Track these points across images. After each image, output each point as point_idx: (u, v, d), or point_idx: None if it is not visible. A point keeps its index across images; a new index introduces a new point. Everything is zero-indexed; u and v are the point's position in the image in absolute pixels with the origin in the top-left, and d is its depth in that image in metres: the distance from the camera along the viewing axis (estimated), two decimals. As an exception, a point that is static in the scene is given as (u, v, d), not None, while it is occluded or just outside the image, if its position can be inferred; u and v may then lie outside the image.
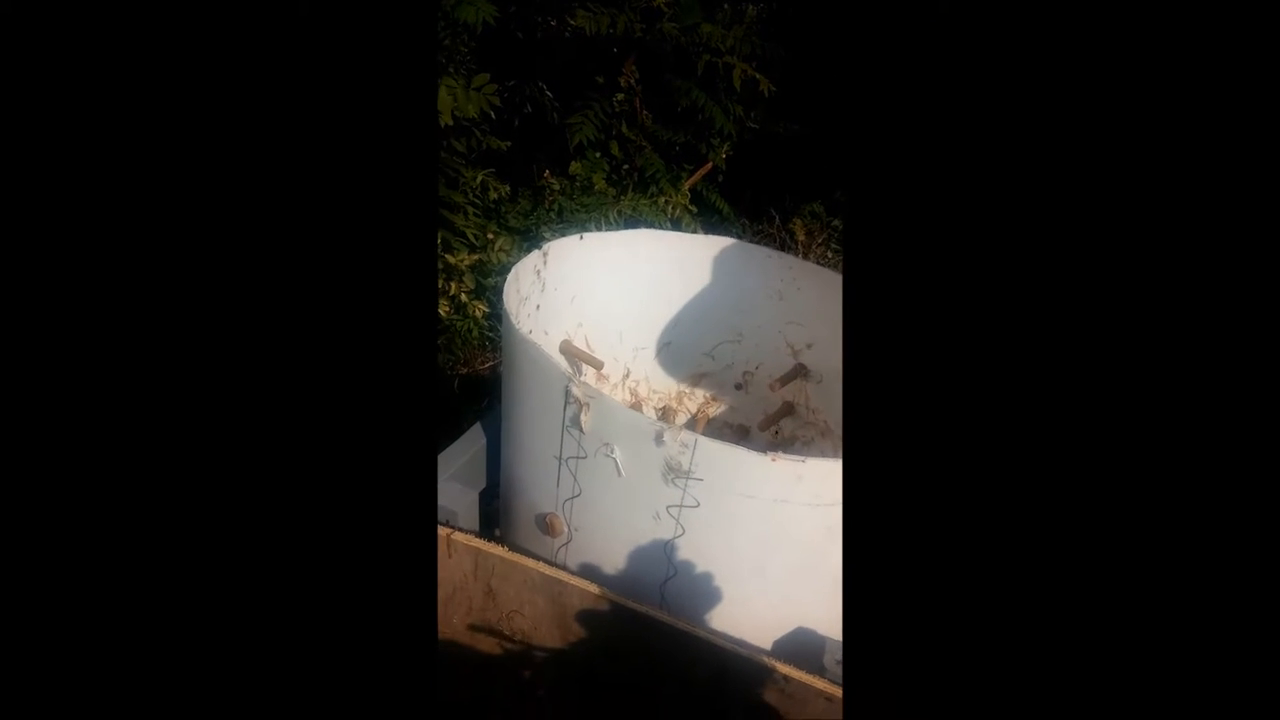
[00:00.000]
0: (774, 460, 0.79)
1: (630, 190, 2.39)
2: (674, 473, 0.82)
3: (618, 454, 0.85)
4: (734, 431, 1.40)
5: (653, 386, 1.43)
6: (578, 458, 0.89)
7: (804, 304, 1.29)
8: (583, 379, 1.35)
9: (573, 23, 2.25)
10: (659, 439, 0.81)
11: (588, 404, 0.85)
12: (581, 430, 0.86)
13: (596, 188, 2.38)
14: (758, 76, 2.27)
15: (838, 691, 0.80)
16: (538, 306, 1.20)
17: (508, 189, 2.27)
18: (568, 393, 0.85)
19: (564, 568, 0.96)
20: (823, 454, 1.29)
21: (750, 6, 2.47)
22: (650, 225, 2.34)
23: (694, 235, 1.36)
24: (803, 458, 0.80)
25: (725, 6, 2.45)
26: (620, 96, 2.35)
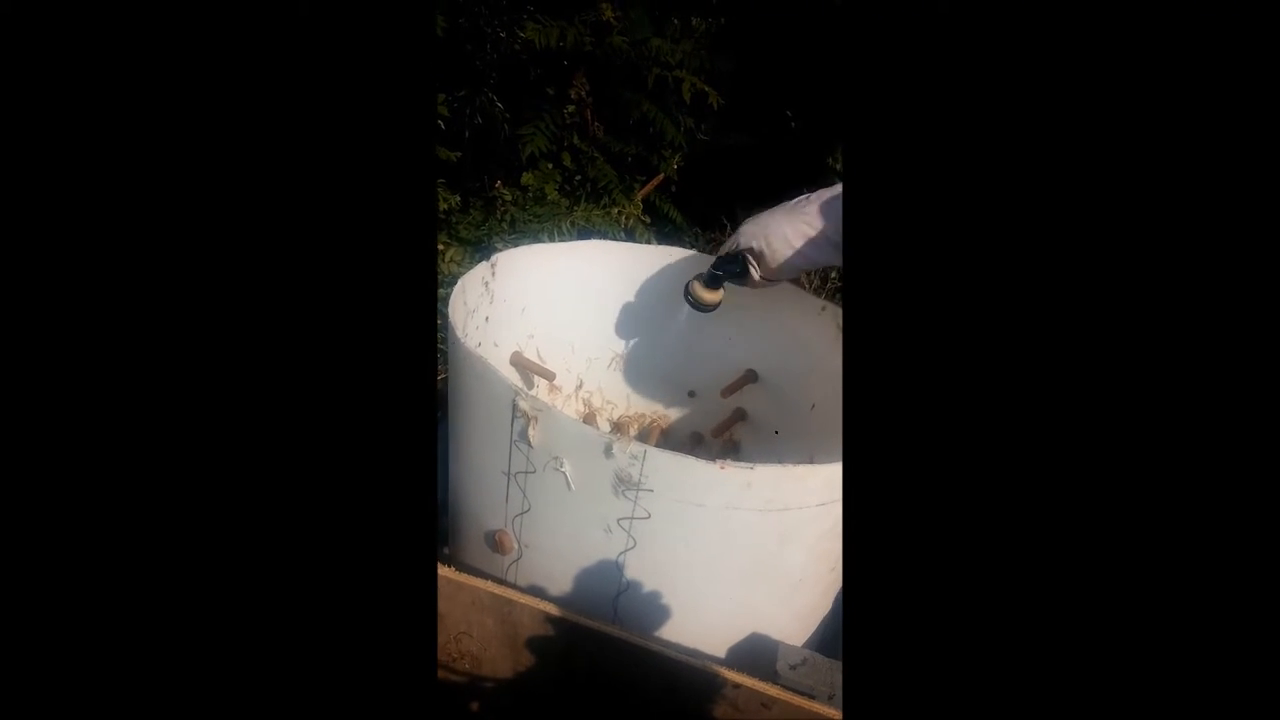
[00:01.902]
0: (723, 468, 0.79)
1: (583, 201, 2.39)
2: (624, 484, 0.82)
3: (567, 467, 0.83)
4: (688, 439, 1.40)
5: (606, 397, 1.43)
6: (526, 472, 0.87)
7: (751, 311, 1.30)
8: (535, 391, 1.33)
9: (522, 35, 2.24)
10: (608, 451, 0.80)
11: (535, 417, 0.83)
12: (530, 444, 0.85)
13: (549, 198, 2.38)
14: (706, 90, 2.31)
15: (786, 697, 0.80)
16: (486, 318, 1.18)
17: (458, 200, 2.24)
18: (515, 406, 0.84)
19: (514, 586, 0.94)
20: (776, 459, 1.30)
21: (699, 21, 2.51)
22: (604, 235, 2.35)
23: (644, 245, 1.37)
24: (751, 465, 0.81)
25: (675, 21, 2.49)
26: (571, 108, 2.35)
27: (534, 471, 0.86)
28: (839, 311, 1.20)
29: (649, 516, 0.83)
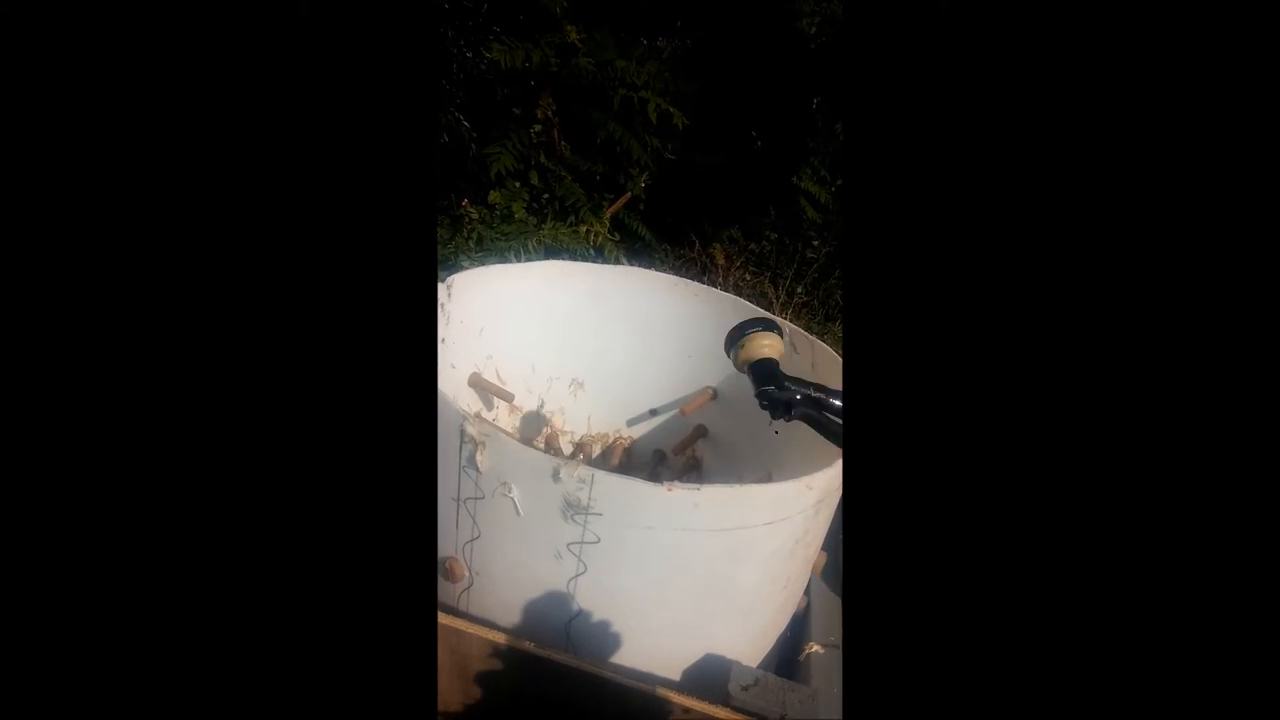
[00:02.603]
0: (670, 490, 0.80)
1: (550, 219, 2.40)
2: (573, 509, 0.81)
3: (515, 493, 0.83)
4: (652, 457, 1.40)
5: (568, 417, 1.42)
6: (475, 498, 0.87)
7: (711, 329, 1.32)
8: (495, 413, 1.33)
9: (488, 55, 2.26)
10: (555, 475, 0.80)
11: (483, 442, 0.83)
12: (478, 470, 0.84)
13: (516, 216, 2.38)
14: (671, 110, 2.34)
15: (736, 719, 0.80)
16: (442, 340, 1.18)
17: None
18: (463, 432, 0.83)
19: (465, 614, 0.93)
20: (736, 476, 1.31)
21: (665, 43, 2.55)
22: (572, 253, 2.35)
23: (604, 265, 1.37)
24: (698, 486, 0.81)
25: (643, 42, 2.53)
26: (538, 128, 2.37)
27: (483, 497, 0.86)
28: (793, 328, 1.21)
29: (599, 540, 0.83)
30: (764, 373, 0.89)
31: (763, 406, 0.88)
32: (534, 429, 1.40)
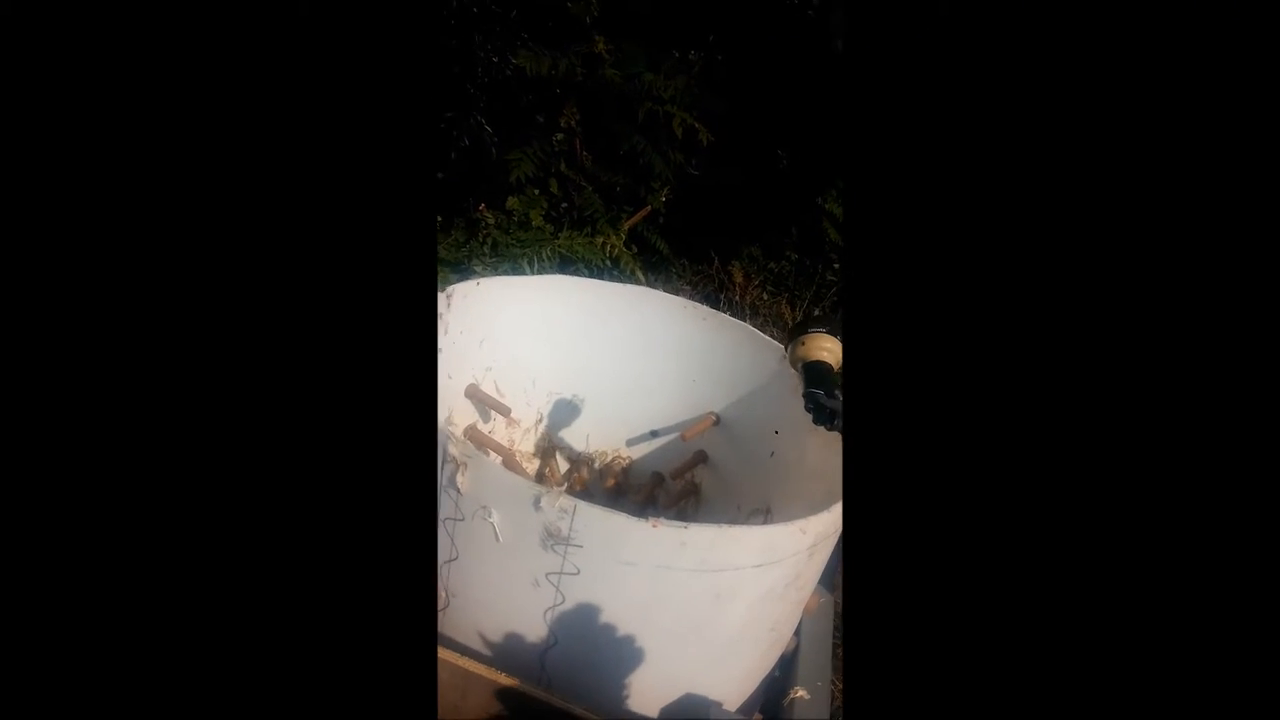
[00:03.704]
0: (655, 526, 0.77)
1: (567, 228, 2.39)
2: (553, 539, 0.79)
3: (495, 518, 0.81)
4: (649, 479, 1.37)
5: (566, 433, 1.40)
6: (455, 519, 0.84)
7: (717, 354, 1.29)
8: (491, 426, 1.31)
9: (514, 61, 2.26)
10: (536, 503, 0.77)
11: (465, 463, 0.81)
12: (459, 491, 0.82)
13: (534, 224, 2.37)
14: (697, 126, 2.32)
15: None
16: (439, 350, 1.16)
17: (439, 220, 2.23)
18: (445, 451, 0.81)
19: (442, 636, 0.90)
20: (734, 505, 1.27)
21: (695, 57, 2.54)
22: (588, 264, 2.34)
23: (610, 284, 1.35)
24: (685, 524, 0.78)
25: (674, 54, 2.51)
26: (560, 136, 2.36)
27: (462, 519, 0.83)
28: (800, 360, 1.18)
29: (578, 572, 0.80)
30: (816, 374, 0.87)
31: (807, 408, 0.85)
32: (530, 443, 1.37)
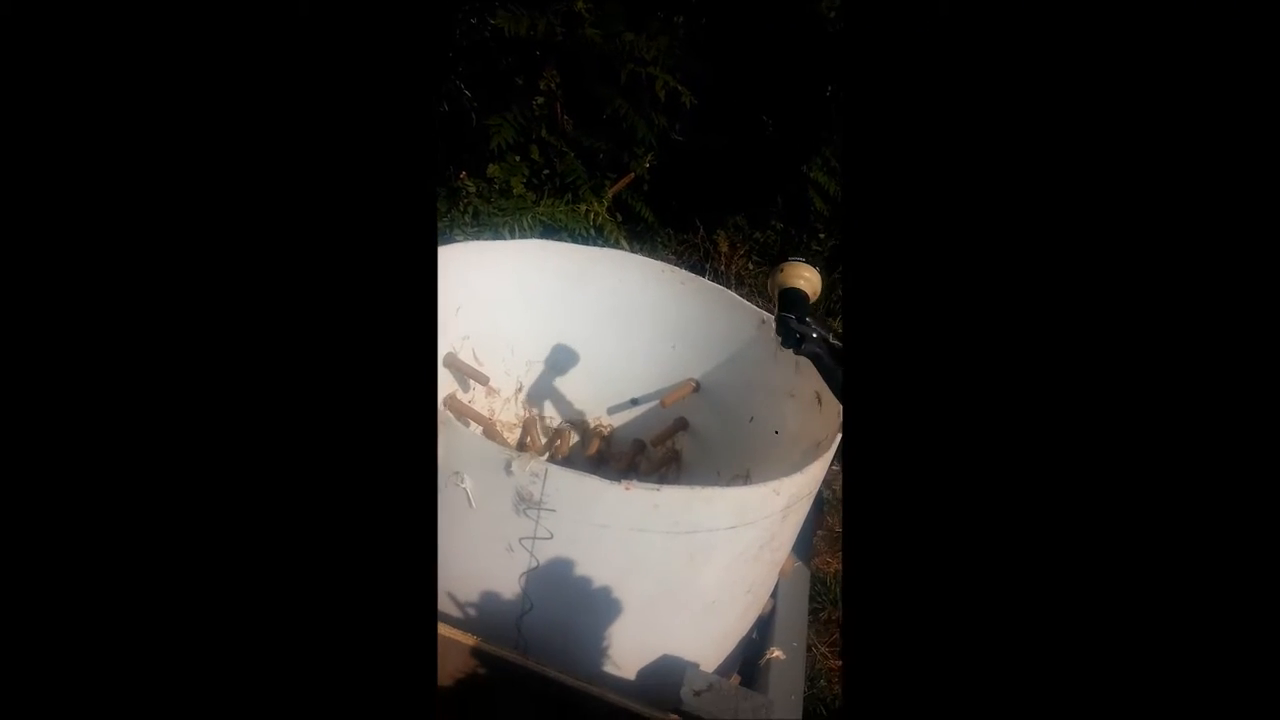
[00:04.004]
0: (628, 489, 0.76)
1: (549, 196, 2.35)
2: (525, 503, 0.78)
3: (468, 483, 0.80)
4: (631, 446, 1.37)
5: (546, 401, 1.39)
6: (428, 485, 0.84)
7: (695, 319, 1.27)
8: (471, 394, 1.30)
9: (492, 22, 2.19)
10: (508, 468, 0.77)
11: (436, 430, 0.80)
12: (431, 456, 0.81)
13: (515, 192, 2.33)
14: (680, 89, 2.26)
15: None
16: (414, 319, 1.14)
17: (419, 190, 2.17)
18: (415, 416, 0.80)
19: (417, 600, 0.90)
20: (714, 470, 1.27)
21: (679, 18, 2.47)
22: (570, 232, 2.30)
23: (589, 248, 1.33)
24: (658, 486, 0.78)
25: (659, 15, 2.44)
26: (540, 100, 2.30)
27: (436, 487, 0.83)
28: (779, 325, 1.17)
29: (551, 536, 0.80)
30: (790, 300, 0.92)
31: (777, 333, 0.91)
32: (510, 413, 1.37)
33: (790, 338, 0.87)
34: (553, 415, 1.40)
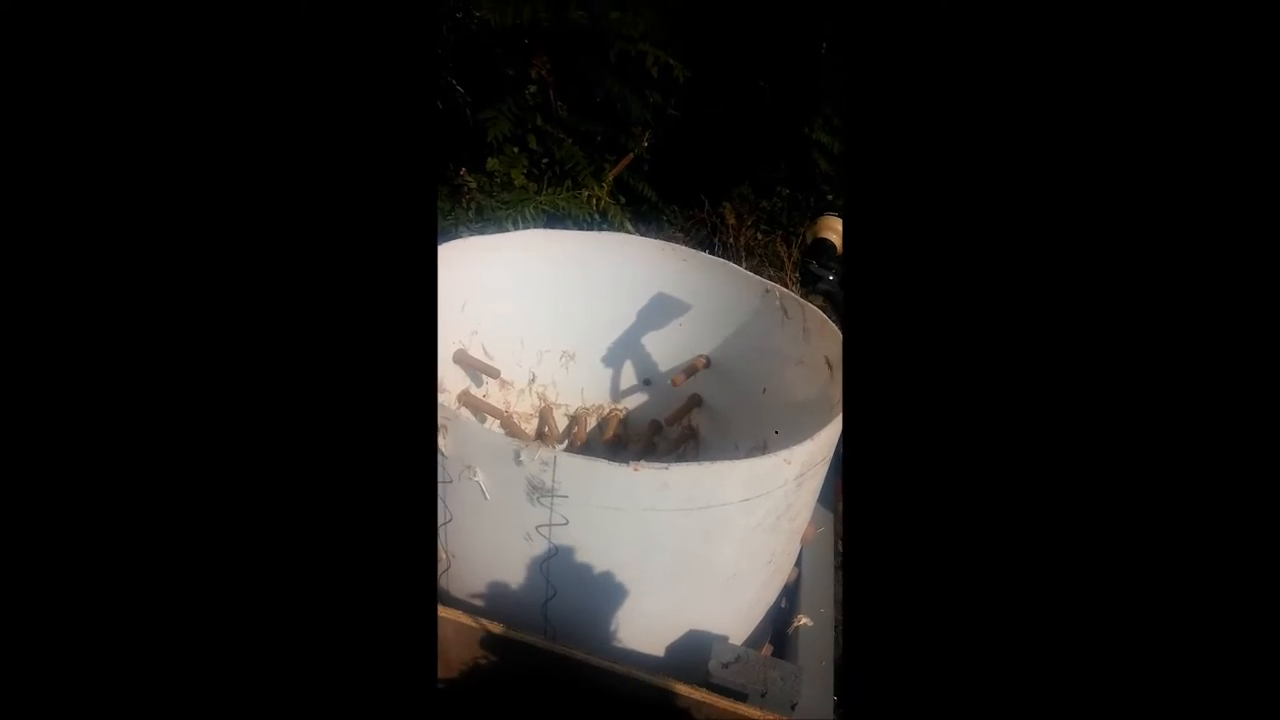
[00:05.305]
0: (636, 470, 0.77)
1: (550, 184, 2.34)
2: (538, 492, 0.79)
3: (481, 476, 0.81)
4: (648, 428, 1.38)
5: (560, 390, 1.40)
6: (444, 482, 0.85)
7: (701, 296, 1.27)
8: (484, 390, 1.31)
9: (478, 14, 2.18)
10: (517, 458, 0.78)
11: (445, 426, 0.81)
12: (443, 454, 0.83)
13: (516, 183, 2.33)
14: (671, 62, 2.23)
15: (711, 699, 0.79)
16: (420, 319, 1.16)
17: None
18: (423, 416, 0.81)
19: (446, 596, 0.93)
20: (732, 444, 1.27)
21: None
22: (574, 219, 2.30)
23: (591, 233, 1.32)
24: (666, 465, 0.78)
25: (645, -11, 2.40)
26: (533, 89, 2.29)
27: (450, 481, 0.84)
28: (783, 292, 1.15)
29: (567, 522, 0.81)
30: (816, 248, 1.07)
31: (800, 276, 1.05)
32: (526, 404, 1.38)
33: (809, 278, 1.01)
34: (568, 403, 1.41)
